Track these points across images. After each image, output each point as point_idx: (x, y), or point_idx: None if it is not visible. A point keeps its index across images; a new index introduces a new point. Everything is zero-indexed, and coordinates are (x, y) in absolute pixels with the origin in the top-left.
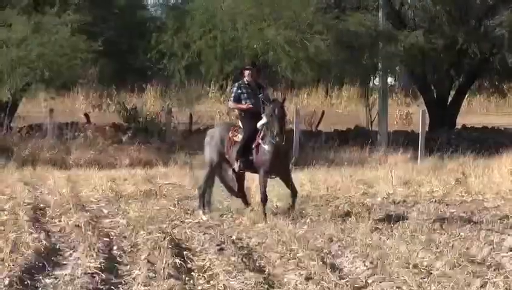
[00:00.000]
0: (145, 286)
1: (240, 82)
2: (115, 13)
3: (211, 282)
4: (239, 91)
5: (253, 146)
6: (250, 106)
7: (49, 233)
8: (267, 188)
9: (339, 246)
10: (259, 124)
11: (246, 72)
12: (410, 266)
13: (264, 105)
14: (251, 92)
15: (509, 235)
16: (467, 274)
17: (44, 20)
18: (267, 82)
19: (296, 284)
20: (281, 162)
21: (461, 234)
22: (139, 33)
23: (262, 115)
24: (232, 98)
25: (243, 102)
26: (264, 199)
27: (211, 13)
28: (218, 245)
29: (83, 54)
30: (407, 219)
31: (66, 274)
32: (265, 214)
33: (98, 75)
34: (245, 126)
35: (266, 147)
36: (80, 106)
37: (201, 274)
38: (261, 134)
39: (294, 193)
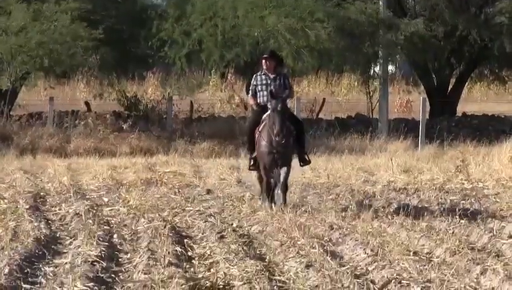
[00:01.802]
0: (145, 273)
1: (258, 73)
2: (116, 1)
3: (212, 270)
4: (254, 83)
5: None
6: (258, 101)
7: (49, 221)
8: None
9: (339, 233)
10: (264, 116)
11: (263, 62)
12: (411, 253)
13: (269, 98)
14: (269, 82)
15: (509, 222)
16: (467, 261)
17: (44, 7)
18: (288, 70)
19: (297, 272)
20: (281, 157)
21: (461, 221)
22: (140, 21)
23: (268, 106)
24: (250, 92)
25: (259, 94)
26: (267, 192)
27: (211, 1)
28: (218, 233)
29: (83, 42)
30: (407, 207)
31: (66, 262)
32: (271, 206)
33: (98, 63)
34: (250, 120)
35: (264, 141)
36: (80, 94)
37: (201, 262)
38: (261, 127)
39: (284, 188)
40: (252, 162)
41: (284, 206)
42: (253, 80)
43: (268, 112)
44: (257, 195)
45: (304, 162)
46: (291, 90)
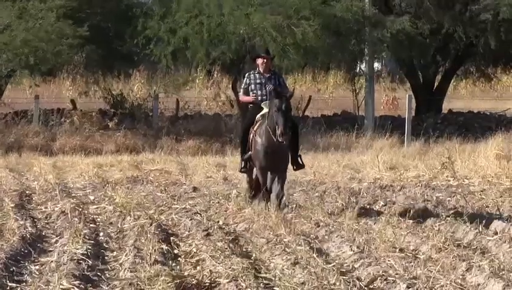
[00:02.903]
0: (131, 271)
1: (251, 72)
2: None
3: (198, 267)
4: (247, 82)
5: (250, 140)
6: (253, 97)
7: (35, 220)
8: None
9: (325, 231)
10: (258, 116)
11: (260, 61)
12: (397, 250)
13: (270, 97)
14: (263, 82)
15: (495, 219)
16: (453, 258)
17: (29, 5)
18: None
19: (283, 269)
20: (279, 158)
21: (447, 218)
22: (125, 18)
23: (263, 105)
24: (241, 90)
25: (251, 94)
26: (263, 193)
27: None
28: (204, 231)
29: (68, 39)
30: (393, 204)
31: (51, 261)
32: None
33: (84, 61)
34: (244, 119)
35: (260, 140)
36: (66, 92)
37: (187, 260)
38: (256, 126)
39: (279, 192)
40: (243, 164)
41: (278, 212)
42: (246, 78)
43: (263, 111)
44: (244, 195)
45: (298, 166)
46: (291, 90)
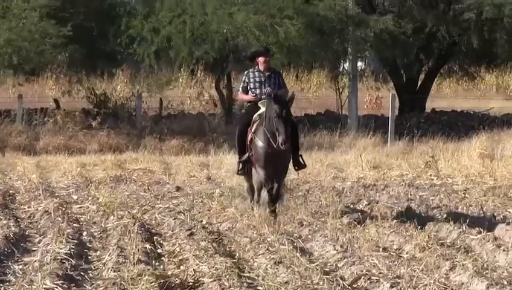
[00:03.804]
0: (115, 271)
1: (250, 70)
2: None
3: (181, 267)
4: (246, 80)
5: (248, 142)
6: (253, 96)
7: (18, 219)
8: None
9: (309, 230)
10: (255, 115)
11: (261, 59)
12: (380, 249)
13: (269, 99)
14: (263, 80)
15: (478, 218)
16: (436, 257)
17: (13, 5)
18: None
19: (267, 268)
20: (281, 161)
21: (431, 217)
22: (108, 18)
23: (260, 104)
24: (240, 89)
25: (251, 92)
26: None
27: None
28: (188, 230)
29: (51, 39)
30: (377, 203)
31: (35, 260)
32: (275, 216)
33: (67, 60)
34: (241, 121)
35: (260, 143)
36: (49, 92)
37: (171, 259)
38: (253, 127)
39: (277, 197)
40: (240, 166)
41: (273, 216)
42: (244, 76)
43: (260, 110)
44: (248, 203)
45: (299, 166)
46: (292, 93)
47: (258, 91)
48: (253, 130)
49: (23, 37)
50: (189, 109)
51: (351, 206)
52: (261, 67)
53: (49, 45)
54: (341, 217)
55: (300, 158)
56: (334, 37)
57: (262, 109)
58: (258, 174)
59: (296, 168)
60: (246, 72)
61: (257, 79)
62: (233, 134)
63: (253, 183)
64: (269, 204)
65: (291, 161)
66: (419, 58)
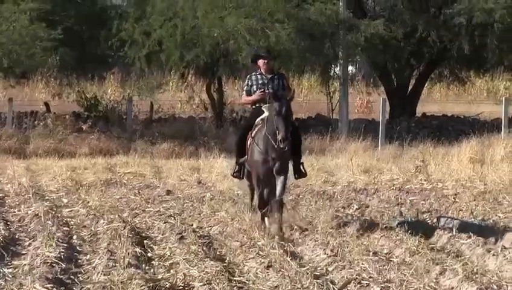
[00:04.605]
0: (105, 275)
1: (253, 73)
2: (75, 1)
3: (171, 271)
4: (249, 83)
5: (248, 145)
6: (254, 97)
7: (8, 223)
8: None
9: (299, 234)
10: (258, 119)
11: (261, 62)
12: (370, 253)
13: (270, 100)
14: (266, 82)
15: (468, 222)
16: (426, 261)
17: (3, 8)
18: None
19: (257, 273)
20: (279, 167)
21: (421, 221)
22: (99, 21)
23: (263, 108)
24: (244, 92)
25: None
26: (260, 205)
27: (171, 1)
28: (178, 234)
29: (42, 42)
30: (367, 207)
31: (25, 264)
32: (265, 224)
33: (58, 63)
34: (242, 123)
35: (258, 148)
36: (39, 95)
37: (161, 263)
38: (254, 131)
39: (279, 204)
40: (236, 168)
41: (276, 225)
42: (247, 80)
43: (263, 115)
44: (248, 206)
45: (300, 174)
46: (292, 91)
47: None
48: (253, 135)
49: (14, 40)
50: (180, 113)
51: (342, 210)
52: (262, 70)
53: (39, 48)
54: (331, 221)
55: (301, 166)
56: (325, 41)
57: (266, 114)
58: (254, 181)
59: (296, 176)
60: (248, 76)
61: (260, 81)
62: (224, 138)
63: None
64: (274, 218)
65: (291, 168)
66: (410, 63)
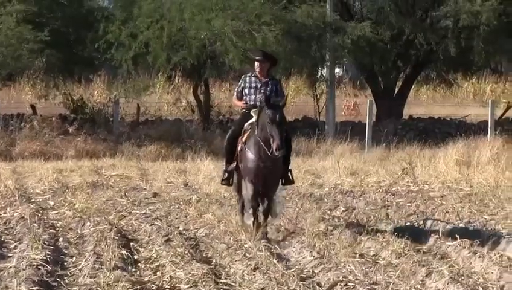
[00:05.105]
0: (91, 277)
1: (247, 74)
2: (62, 3)
3: (158, 273)
4: (242, 85)
5: (238, 152)
6: (244, 104)
7: None
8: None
9: (286, 236)
10: (246, 124)
11: (256, 64)
12: (357, 255)
13: (261, 105)
14: (259, 86)
15: (454, 224)
16: (412, 263)
17: None
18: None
19: (243, 275)
20: (271, 173)
21: (407, 223)
22: (86, 23)
23: (252, 113)
24: (235, 93)
25: (245, 97)
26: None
27: (158, 3)
28: (165, 236)
29: (28, 44)
30: (354, 209)
31: (10, 266)
32: (255, 230)
33: (44, 65)
34: (232, 128)
35: (251, 155)
36: (26, 97)
37: (148, 265)
38: (245, 136)
39: (267, 209)
40: (225, 176)
41: (263, 228)
42: (241, 81)
43: (252, 119)
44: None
45: (287, 181)
46: (285, 97)
47: (252, 97)
48: (243, 140)
49: (0, 42)
50: (167, 115)
51: (328, 212)
52: (257, 73)
53: (26, 50)
54: (318, 223)
55: (289, 173)
56: (311, 44)
57: (254, 118)
58: (246, 188)
59: (283, 181)
60: (243, 76)
61: (253, 85)
62: (210, 140)
63: (242, 195)
64: (262, 223)
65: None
66: (396, 65)
